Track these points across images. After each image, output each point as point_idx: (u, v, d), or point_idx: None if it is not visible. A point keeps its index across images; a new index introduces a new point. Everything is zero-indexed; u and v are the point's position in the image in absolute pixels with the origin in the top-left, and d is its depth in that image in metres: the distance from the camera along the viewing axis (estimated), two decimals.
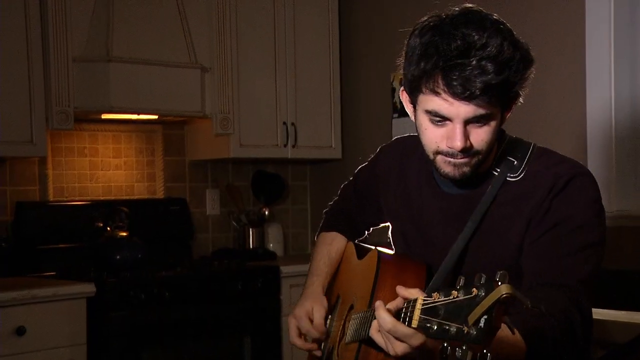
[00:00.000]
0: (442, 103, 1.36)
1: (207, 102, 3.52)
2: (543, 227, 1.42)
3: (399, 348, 1.21)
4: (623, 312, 1.80)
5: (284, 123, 3.76)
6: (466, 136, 1.37)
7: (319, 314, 1.68)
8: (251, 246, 3.83)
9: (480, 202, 1.46)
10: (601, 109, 2.91)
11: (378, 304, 1.22)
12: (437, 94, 1.36)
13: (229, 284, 3.22)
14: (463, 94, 1.33)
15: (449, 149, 1.40)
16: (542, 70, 3.05)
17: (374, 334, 1.26)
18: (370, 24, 3.89)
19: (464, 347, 1.04)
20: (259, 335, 3.29)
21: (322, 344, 1.75)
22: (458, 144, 1.37)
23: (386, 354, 1.38)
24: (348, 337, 1.53)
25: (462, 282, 1.09)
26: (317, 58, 3.87)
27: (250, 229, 3.84)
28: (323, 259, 1.79)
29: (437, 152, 1.42)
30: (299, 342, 1.70)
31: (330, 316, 1.76)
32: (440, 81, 1.34)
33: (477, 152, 1.41)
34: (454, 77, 1.32)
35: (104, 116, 3.39)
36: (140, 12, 3.34)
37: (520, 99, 1.42)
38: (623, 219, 2.60)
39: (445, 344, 1.07)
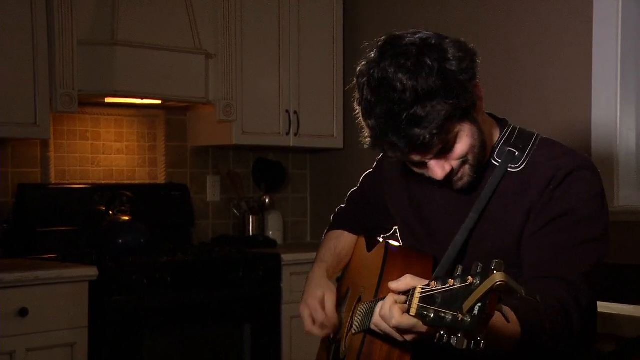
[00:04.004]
0: (401, 156, 1.42)
1: (210, 89, 3.51)
2: (543, 220, 1.42)
3: (407, 336, 1.24)
4: (631, 307, 1.82)
5: (287, 111, 3.76)
6: (442, 165, 1.43)
7: (330, 302, 1.69)
8: (251, 233, 3.84)
9: (481, 193, 1.47)
10: (606, 101, 2.93)
11: (388, 298, 1.24)
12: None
13: (230, 270, 3.23)
14: (412, 151, 1.38)
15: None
16: (549, 65, 3.10)
17: (378, 323, 1.28)
18: (374, 15, 3.89)
19: (459, 335, 1.06)
20: (259, 322, 3.30)
21: (331, 337, 1.76)
22: (439, 177, 1.44)
23: (390, 344, 1.40)
24: (354, 327, 1.55)
25: (459, 271, 1.11)
26: (321, 47, 3.87)
27: (251, 217, 3.85)
28: (329, 250, 1.81)
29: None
30: (315, 330, 1.69)
31: (340, 308, 1.77)
32: (386, 147, 1.39)
33: (464, 162, 1.45)
34: (395, 140, 1.36)
35: (108, 100, 3.38)
36: None
37: (477, 93, 1.41)
38: (628, 214, 2.63)
39: (442, 332, 1.09)
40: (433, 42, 1.38)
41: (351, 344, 1.57)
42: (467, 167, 1.45)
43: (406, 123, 1.34)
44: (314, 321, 1.69)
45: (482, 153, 1.46)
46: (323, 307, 1.68)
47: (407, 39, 1.39)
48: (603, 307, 1.53)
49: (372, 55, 1.41)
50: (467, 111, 1.40)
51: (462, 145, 1.42)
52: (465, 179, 1.47)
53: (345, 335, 1.65)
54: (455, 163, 1.43)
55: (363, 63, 1.42)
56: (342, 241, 1.81)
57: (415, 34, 1.40)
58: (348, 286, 1.77)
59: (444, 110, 1.34)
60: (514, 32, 3.25)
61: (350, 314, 1.65)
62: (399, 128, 1.35)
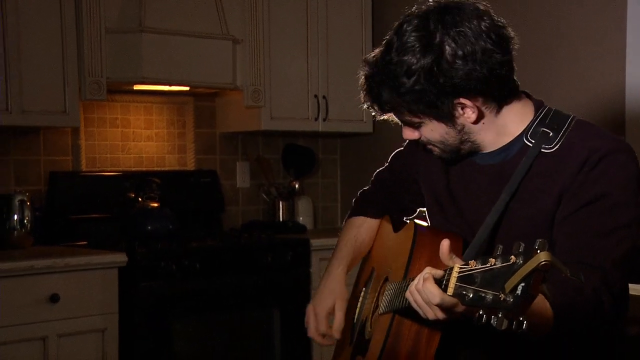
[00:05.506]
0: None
1: (238, 74, 3.51)
2: (576, 204, 1.38)
3: (440, 314, 1.22)
4: None
5: (315, 96, 3.74)
6: (409, 130, 1.50)
7: (340, 313, 1.71)
8: (281, 219, 3.84)
9: (513, 173, 1.44)
10: None
11: (426, 275, 1.22)
12: None
13: (259, 256, 3.23)
14: (371, 107, 1.49)
15: None
16: (582, 41, 3.03)
17: (417, 300, 1.26)
18: None
19: (499, 315, 1.05)
20: (288, 308, 3.30)
21: (355, 318, 1.75)
22: (404, 136, 1.53)
23: (420, 324, 1.38)
24: (382, 308, 1.53)
25: (500, 250, 1.09)
26: (350, 30, 3.84)
27: (280, 202, 3.85)
28: (349, 242, 1.79)
29: None
30: (317, 339, 1.74)
31: (364, 289, 1.76)
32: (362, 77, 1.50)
33: (430, 142, 1.49)
34: (363, 80, 1.48)
35: (136, 87, 3.40)
36: None
37: (466, 104, 1.42)
38: None
39: (481, 312, 1.07)
40: (459, 52, 1.37)
41: (377, 325, 1.55)
42: (435, 148, 1.51)
43: (373, 84, 1.45)
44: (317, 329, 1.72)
45: (456, 145, 1.48)
46: (328, 317, 1.72)
47: (440, 30, 1.38)
48: (631, 289, 1.49)
49: (422, 8, 1.44)
50: (432, 115, 1.44)
51: (425, 133, 1.48)
52: (437, 153, 1.52)
53: (370, 315, 1.63)
54: (418, 137, 1.50)
55: (414, 10, 1.45)
56: (362, 231, 1.79)
57: (458, 30, 1.38)
58: (373, 266, 1.76)
59: (398, 105, 1.43)
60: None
61: (376, 295, 1.63)
62: (370, 80, 1.45)
